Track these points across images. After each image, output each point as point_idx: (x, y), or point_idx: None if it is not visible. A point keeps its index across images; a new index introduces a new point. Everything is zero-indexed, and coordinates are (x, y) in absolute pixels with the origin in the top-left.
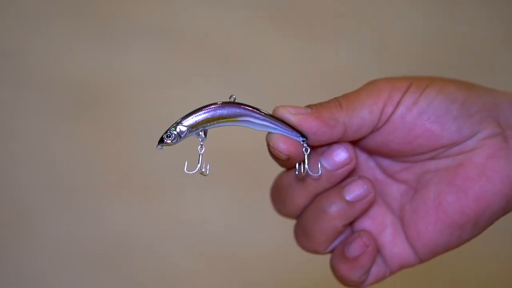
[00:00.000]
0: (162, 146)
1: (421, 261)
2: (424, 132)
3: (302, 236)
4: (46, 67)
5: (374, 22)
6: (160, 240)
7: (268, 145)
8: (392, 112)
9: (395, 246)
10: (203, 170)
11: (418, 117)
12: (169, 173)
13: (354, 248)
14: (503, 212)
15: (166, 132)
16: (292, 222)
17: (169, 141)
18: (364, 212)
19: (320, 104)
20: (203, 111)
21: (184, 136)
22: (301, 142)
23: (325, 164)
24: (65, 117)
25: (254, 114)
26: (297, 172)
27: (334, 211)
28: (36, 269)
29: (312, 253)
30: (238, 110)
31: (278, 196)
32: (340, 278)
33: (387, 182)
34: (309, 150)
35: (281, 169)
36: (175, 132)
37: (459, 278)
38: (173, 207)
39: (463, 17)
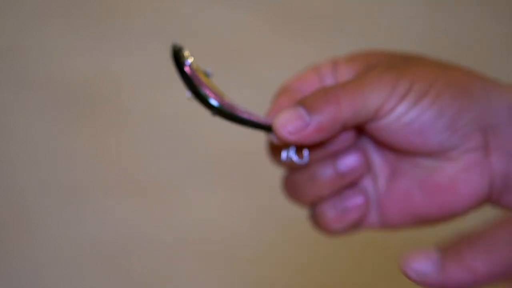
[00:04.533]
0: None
1: (381, 228)
2: (405, 141)
3: None
4: (45, 67)
5: (372, 23)
6: (160, 241)
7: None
8: (384, 115)
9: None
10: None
11: (403, 128)
12: (169, 174)
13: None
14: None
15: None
16: (292, 222)
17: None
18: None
19: (315, 102)
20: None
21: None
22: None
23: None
24: (64, 117)
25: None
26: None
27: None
28: (35, 269)
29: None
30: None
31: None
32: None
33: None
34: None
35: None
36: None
37: None
38: (173, 207)
39: (462, 17)
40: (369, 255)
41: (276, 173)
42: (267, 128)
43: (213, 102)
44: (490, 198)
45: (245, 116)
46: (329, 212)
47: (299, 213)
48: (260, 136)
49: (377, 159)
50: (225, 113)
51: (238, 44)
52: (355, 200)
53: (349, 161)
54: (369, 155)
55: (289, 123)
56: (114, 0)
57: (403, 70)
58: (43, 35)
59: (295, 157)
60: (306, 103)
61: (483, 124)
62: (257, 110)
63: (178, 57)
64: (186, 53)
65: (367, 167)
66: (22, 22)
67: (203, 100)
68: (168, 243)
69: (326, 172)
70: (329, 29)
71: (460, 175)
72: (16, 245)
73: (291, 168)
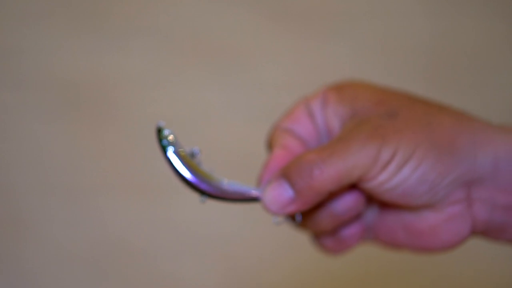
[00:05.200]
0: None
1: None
2: (388, 200)
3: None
4: (43, 67)
5: (374, 21)
6: (158, 242)
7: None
8: (367, 181)
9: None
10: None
11: (385, 191)
12: (169, 174)
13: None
14: None
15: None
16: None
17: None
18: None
19: (299, 177)
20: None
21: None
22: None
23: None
24: (62, 117)
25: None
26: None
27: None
28: (34, 269)
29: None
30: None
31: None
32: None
33: None
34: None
35: None
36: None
37: (458, 279)
38: (171, 208)
39: (465, 16)
40: (371, 255)
41: None
42: (256, 200)
43: (201, 186)
44: (473, 235)
45: (234, 196)
46: (329, 242)
47: None
48: (260, 137)
49: None
50: (213, 196)
51: (239, 43)
52: (352, 229)
53: (346, 203)
54: None
55: (274, 202)
56: (113, 0)
57: (388, 133)
58: (42, 35)
59: (287, 220)
60: (290, 178)
61: (467, 180)
62: (257, 110)
63: (160, 141)
64: (170, 137)
65: (364, 205)
66: (22, 22)
67: (189, 185)
68: (168, 243)
69: (323, 215)
70: (330, 28)
71: (441, 224)
72: (15, 245)
73: None
